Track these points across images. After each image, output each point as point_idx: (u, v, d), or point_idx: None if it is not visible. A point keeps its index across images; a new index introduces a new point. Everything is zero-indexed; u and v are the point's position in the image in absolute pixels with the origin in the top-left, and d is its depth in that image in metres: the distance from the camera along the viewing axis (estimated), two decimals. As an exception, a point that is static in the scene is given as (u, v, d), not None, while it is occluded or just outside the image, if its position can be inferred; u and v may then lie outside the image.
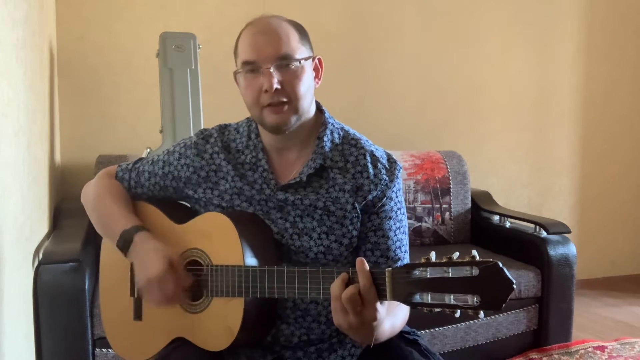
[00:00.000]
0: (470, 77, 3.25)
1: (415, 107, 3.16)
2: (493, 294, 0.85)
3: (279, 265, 1.18)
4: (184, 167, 1.27)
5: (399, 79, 3.11)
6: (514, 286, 0.84)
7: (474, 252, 0.87)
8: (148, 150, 2.24)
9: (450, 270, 0.88)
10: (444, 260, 0.89)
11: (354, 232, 1.20)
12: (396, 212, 1.23)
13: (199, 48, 2.34)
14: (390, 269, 0.95)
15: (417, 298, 0.90)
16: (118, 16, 2.63)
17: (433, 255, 0.91)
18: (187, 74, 2.30)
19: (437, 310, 0.89)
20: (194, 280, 1.16)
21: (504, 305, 0.83)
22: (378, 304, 0.97)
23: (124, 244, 1.19)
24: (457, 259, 0.88)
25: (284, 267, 1.09)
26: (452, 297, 0.88)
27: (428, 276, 0.90)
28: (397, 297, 0.94)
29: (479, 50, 3.25)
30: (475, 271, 0.86)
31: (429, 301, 0.89)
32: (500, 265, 0.85)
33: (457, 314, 0.88)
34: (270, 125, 1.17)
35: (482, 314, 0.86)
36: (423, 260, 0.91)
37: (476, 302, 0.86)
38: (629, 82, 3.59)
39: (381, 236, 1.21)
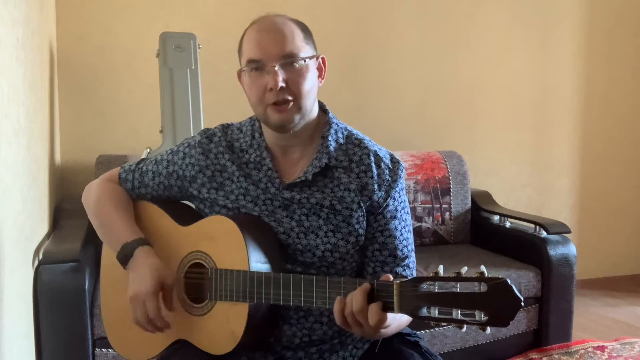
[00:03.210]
0: (470, 77, 3.24)
1: (415, 107, 3.15)
2: (501, 310, 0.85)
3: (286, 267, 1.18)
4: (188, 166, 1.27)
5: (399, 79, 3.11)
6: (522, 304, 0.84)
7: (483, 268, 0.87)
8: (148, 150, 2.24)
9: (458, 285, 0.88)
10: (453, 275, 0.89)
11: (361, 231, 1.21)
12: (400, 212, 1.24)
13: (199, 48, 2.34)
14: (398, 281, 0.95)
15: (424, 311, 0.90)
16: (118, 16, 2.62)
17: (441, 270, 0.91)
18: (187, 74, 2.29)
19: (443, 324, 0.89)
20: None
21: (511, 322, 0.83)
22: (385, 316, 0.97)
23: (124, 257, 1.19)
24: (465, 274, 0.88)
25: (291, 275, 1.09)
26: (459, 312, 0.87)
27: (436, 290, 0.90)
28: (404, 310, 0.94)
29: (479, 50, 3.25)
30: (483, 287, 0.86)
31: (436, 315, 0.89)
32: (509, 282, 0.85)
33: (464, 329, 0.88)
34: (274, 124, 1.17)
35: (488, 329, 0.86)
36: (431, 275, 0.90)
37: (483, 318, 0.86)
38: (629, 82, 3.59)
39: (388, 236, 1.22)
